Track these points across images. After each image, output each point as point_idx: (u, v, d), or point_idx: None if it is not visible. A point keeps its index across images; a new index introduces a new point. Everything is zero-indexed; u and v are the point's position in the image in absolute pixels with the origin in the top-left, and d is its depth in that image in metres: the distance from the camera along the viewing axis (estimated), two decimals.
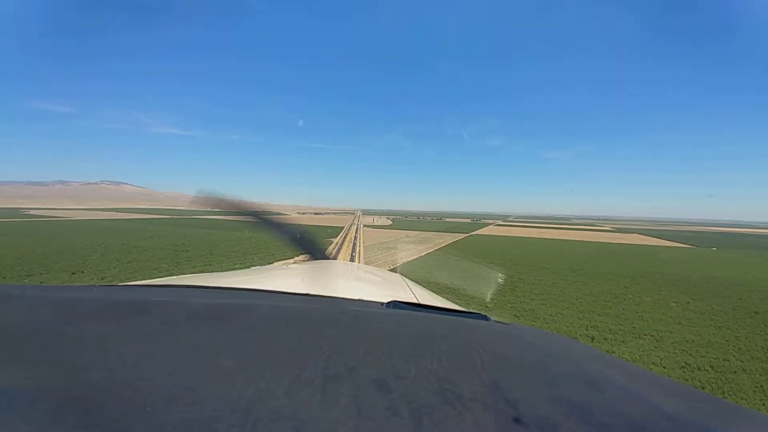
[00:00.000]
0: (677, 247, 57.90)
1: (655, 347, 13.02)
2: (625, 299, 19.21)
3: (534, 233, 79.72)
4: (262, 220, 2.50)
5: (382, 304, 0.99)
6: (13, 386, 0.35)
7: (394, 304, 0.97)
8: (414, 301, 1.30)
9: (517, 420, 0.34)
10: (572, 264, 30.57)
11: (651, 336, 13.95)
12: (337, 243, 43.05)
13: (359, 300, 1.10)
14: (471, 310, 1.05)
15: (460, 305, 1.36)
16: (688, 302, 19.15)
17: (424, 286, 1.93)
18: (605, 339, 13.31)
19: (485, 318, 0.91)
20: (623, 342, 13.23)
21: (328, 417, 0.32)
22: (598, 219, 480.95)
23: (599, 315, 16.30)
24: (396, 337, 0.59)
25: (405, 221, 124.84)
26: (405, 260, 29.71)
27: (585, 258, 35.61)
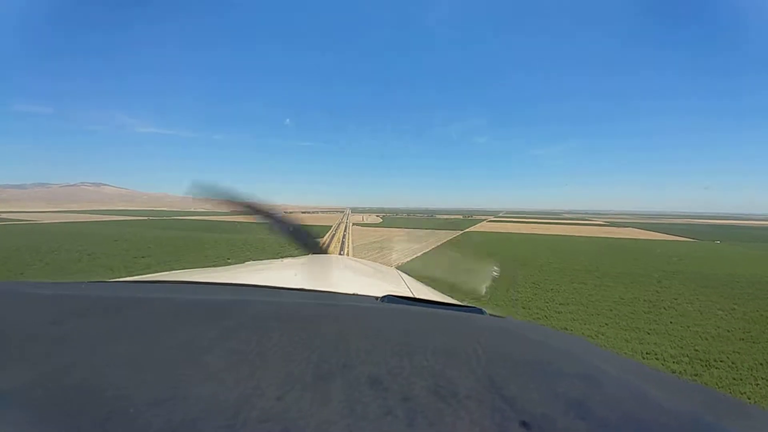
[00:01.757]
0: (678, 240, 55.84)
1: (738, 378, 9.94)
2: (665, 308, 16.17)
3: (529, 229, 77.36)
4: (257, 213, 2.35)
5: (376, 298, 0.97)
6: None
7: (389, 298, 0.95)
8: (409, 294, 1.25)
9: (513, 418, 0.33)
10: (584, 263, 27.57)
11: (723, 363, 10.88)
12: (323, 243, 39.67)
13: (354, 294, 1.07)
14: (467, 304, 1.03)
15: (456, 299, 1.32)
16: (734, 308, 16.38)
17: (419, 280, 1.83)
18: (674, 372, 10.10)
19: (481, 311, 0.89)
20: (697, 375, 10.07)
21: (319, 417, 0.31)
22: (587, 213, 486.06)
23: (648, 333, 13.12)
24: (390, 332, 0.58)
25: (395, 219, 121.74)
26: (400, 262, 26.37)
27: (593, 256, 32.71)
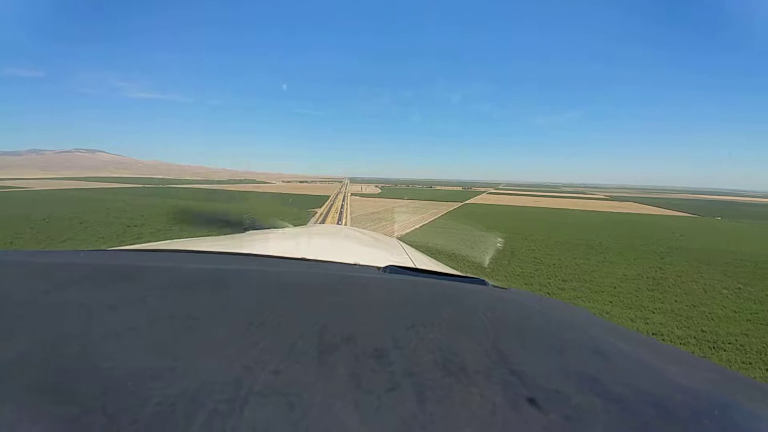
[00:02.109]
0: (679, 216, 55.55)
1: (747, 361, 9.65)
2: (669, 286, 15.80)
3: (529, 201, 76.78)
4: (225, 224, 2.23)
5: (378, 268, 0.97)
6: None
7: (391, 269, 0.94)
8: (411, 265, 1.25)
9: (525, 394, 0.32)
10: (586, 238, 27.13)
11: (732, 345, 10.55)
12: (321, 213, 39.06)
13: (356, 264, 1.06)
14: (469, 275, 1.03)
15: (457, 269, 1.31)
16: (739, 288, 16.01)
17: (421, 250, 1.86)
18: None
19: (483, 282, 0.88)
20: (706, 358, 9.73)
21: (324, 391, 0.30)
22: (587, 187, 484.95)
23: (653, 312, 12.75)
24: (394, 303, 0.57)
25: (394, 189, 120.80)
26: (399, 234, 25.87)
27: (595, 230, 32.23)
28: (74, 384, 0.30)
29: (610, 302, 13.46)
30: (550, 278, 15.93)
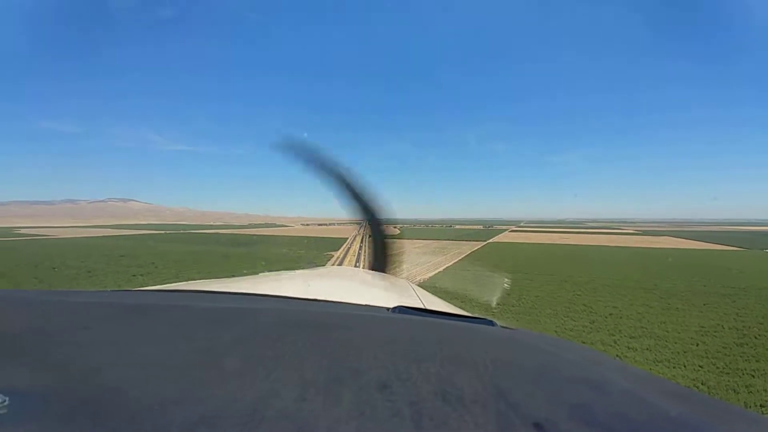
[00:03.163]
0: (725, 249, 50.79)
1: None
2: (755, 336, 12.96)
3: (556, 239, 72.99)
4: (359, 207, 2.22)
5: (388, 309, 1.00)
6: (26, 388, 0.36)
7: (400, 309, 0.97)
8: (420, 306, 1.29)
9: (517, 422, 0.34)
10: (634, 278, 23.97)
11: None
12: (337, 257, 37.07)
13: (366, 305, 1.10)
14: (477, 315, 1.05)
15: (467, 311, 1.33)
16: None
17: (431, 292, 1.88)
18: None
19: (491, 323, 0.90)
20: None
21: (331, 418, 0.32)
22: (612, 221, 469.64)
23: (753, 376, 9.96)
24: (400, 340, 0.60)
25: (413, 229, 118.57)
26: (421, 278, 23.43)
27: (640, 269, 28.86)
28: (108, 409, 0.32)
29: (700, 366, 10.56)
30: (612, 334, 13.07)
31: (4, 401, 0.32)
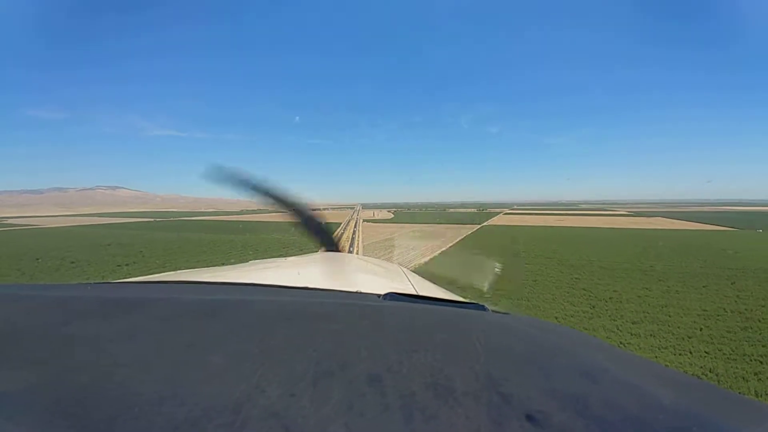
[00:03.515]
0: (717, 230, 51.13)
1: None
2: (760, 320, 12.65)
3: (550, 221, 73.01)
4: (281, 204, 2.25)
5: (378, 296, 0.97)
6: (4, 387, 0.35)
7: (391, 296, 0.95)
8: (412, 292, 1.27)
9: (510, 414, 0.34)
10: (630, 260, 23.73)
11: None
12: (337, 238, 36.41)
13: (356, 292, 1.07)
14: (468, 300, 1.04)
15: (460, 295, 1.35)
16: None
17: (424, 277, 1.83)
18: None
19: (482, 308, 0.88)
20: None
21: (318, 415, 0.32)
22: (604, 203, 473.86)
23: (761, 363, 9.62)
24: (390, 330, 0.59)
25: (407, 214, 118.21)
26: (417, 263, 22.96)
27: (635, 250, 28.69)
28: (86, 410, 0.32)
29: (707, 353, 10.24)
30: (614, 319, 12.72)
31: None
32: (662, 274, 19.46)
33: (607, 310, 13.73)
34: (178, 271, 1.50)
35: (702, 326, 12.07)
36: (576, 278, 18.40)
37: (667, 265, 22.08)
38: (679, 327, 12.03)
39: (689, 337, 11.23)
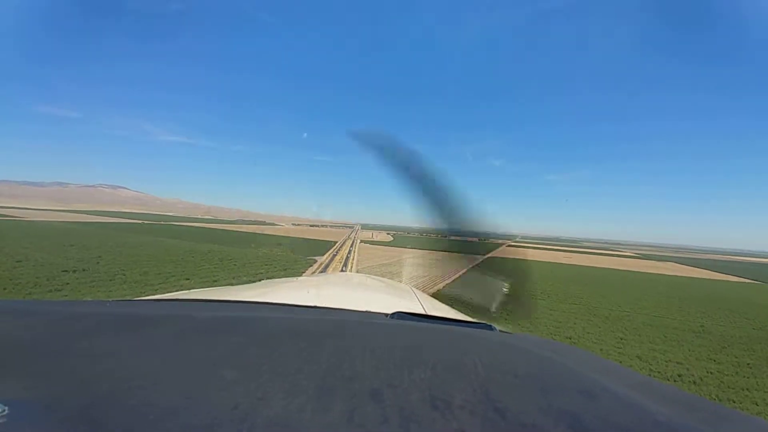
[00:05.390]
0: (740, 282, 47.23)
1: None
2: None
3: (560, 257, 69.19)
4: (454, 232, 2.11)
5: (386, 315, 1.00)
6: (26, 397, 0.37)
7: (399, 315, 0.98)
8: (420, 311, 1.28)
9: (503, 428, 0.35)
10: (672, 314, 20.03)
11: None
12: (321, 264, 32.67)
13: (365, 312, 1.10)
14: (476, 320, 1.05)
15: (470, 316, 1.29)
16: None
17: (434, 297, 1.89)
18: None
19: (490, 327, 0.91)
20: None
21: (320, 425, 0.34)
22: (608, 243, 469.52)
23: None
24: (395, 348, 0.61)
25: (407, 238, 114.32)
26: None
27: (669, 302, 24.84)
28: (106, 418, 0.34)
29: None
30: None
31: (4, 411, 0.33)
32: (720, 338, 15.71)
33: None
34: (193, 290, 1.60)
35: None
36: (621, 338, 14.61)
37: (716, 324, 18.36)
38: None
39: None
